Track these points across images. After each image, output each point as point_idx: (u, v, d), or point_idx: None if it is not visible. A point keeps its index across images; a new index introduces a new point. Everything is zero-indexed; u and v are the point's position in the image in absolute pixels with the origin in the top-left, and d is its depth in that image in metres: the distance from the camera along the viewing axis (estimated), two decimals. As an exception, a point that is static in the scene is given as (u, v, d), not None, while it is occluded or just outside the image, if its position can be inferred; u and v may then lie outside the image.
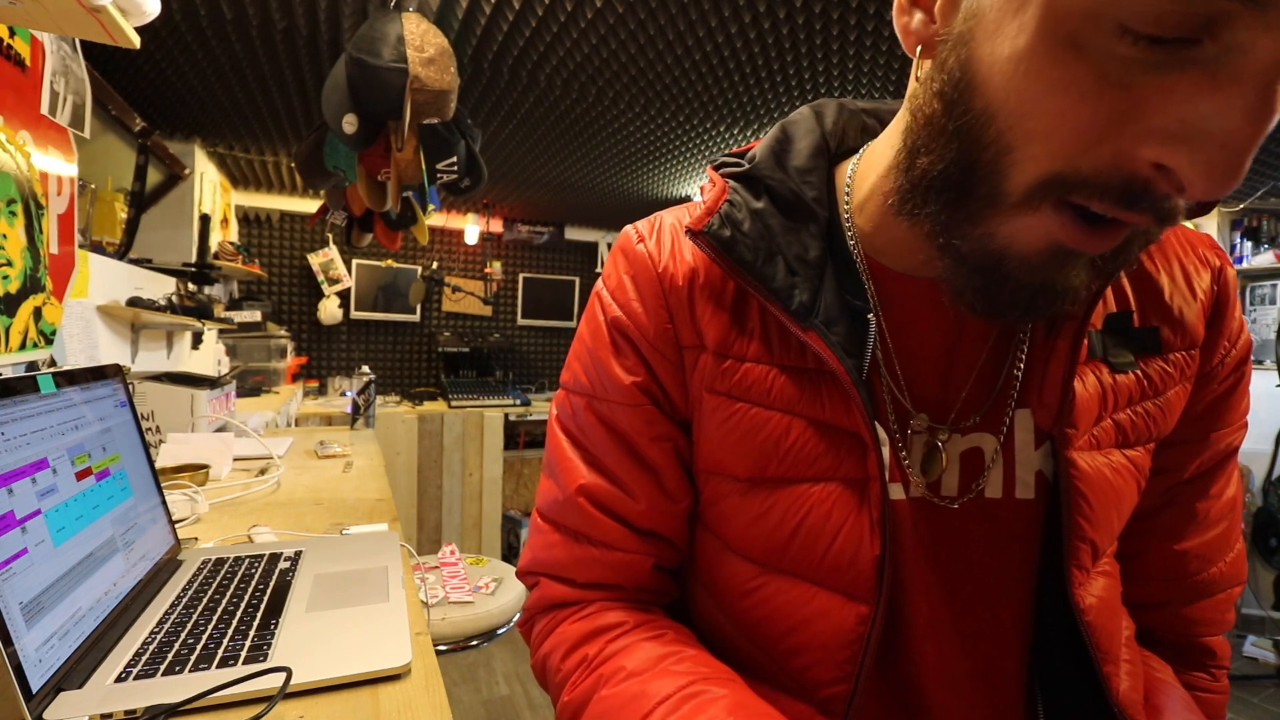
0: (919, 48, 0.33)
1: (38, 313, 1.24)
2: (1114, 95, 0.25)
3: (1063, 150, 0.27)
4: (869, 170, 0.42)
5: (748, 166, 0.43)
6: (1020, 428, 0.41)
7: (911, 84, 0.35)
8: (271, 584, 0.81)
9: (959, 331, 0.41)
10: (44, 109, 1.24)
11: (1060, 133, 0.27)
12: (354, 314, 3.91)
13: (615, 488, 0.45)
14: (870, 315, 0.40)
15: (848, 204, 0.43)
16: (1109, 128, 0.26)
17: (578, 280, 4.54)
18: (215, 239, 2.79)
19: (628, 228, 0.48)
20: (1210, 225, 3.45)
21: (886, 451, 0.40)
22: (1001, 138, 0.29)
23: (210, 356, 2.70)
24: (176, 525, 0.95)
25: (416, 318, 4.12)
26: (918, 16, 0.33)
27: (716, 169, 0.45)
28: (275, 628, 0.69)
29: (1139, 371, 0.41)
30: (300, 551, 0.93)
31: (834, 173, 0.44)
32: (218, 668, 0.61)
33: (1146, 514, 0.47)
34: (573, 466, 0.47)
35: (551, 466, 0.49)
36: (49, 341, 1.29)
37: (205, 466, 1.36)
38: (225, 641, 0.66)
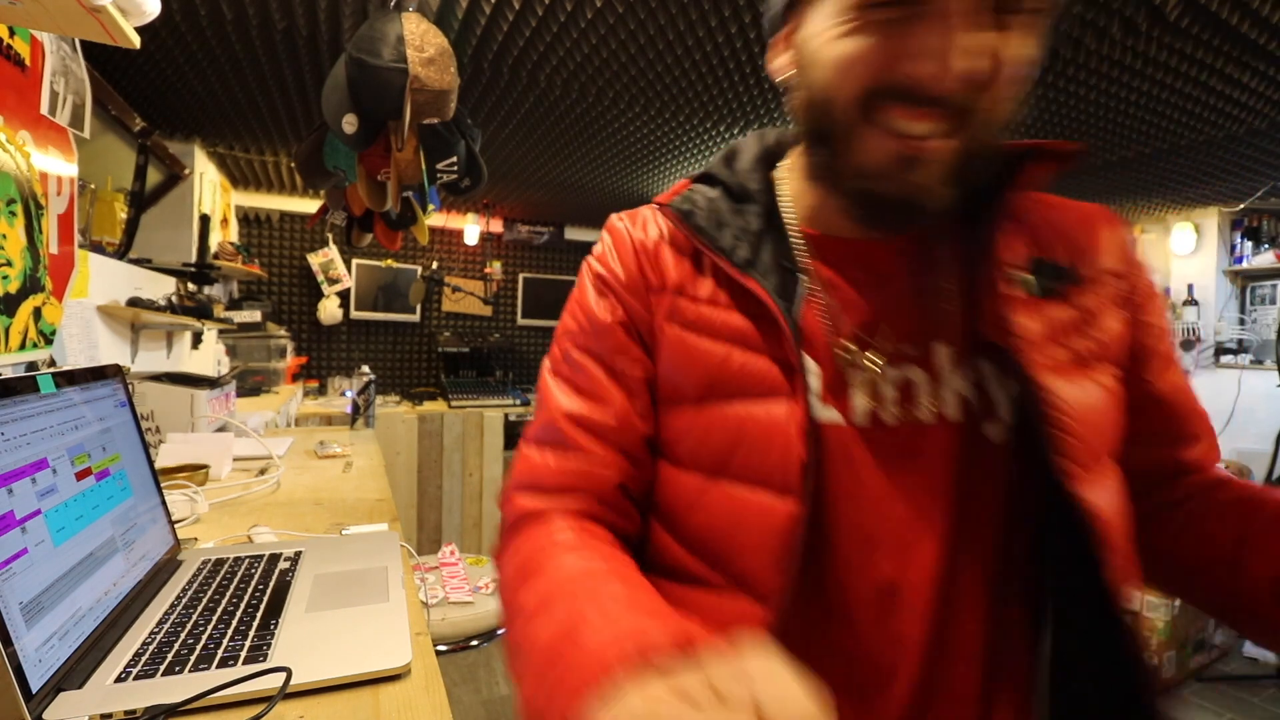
0: (786, 76, 0.49)
1: (37, 313, 1.24)
2: (874, 40, 0.41)
3: (856, 81, 0.42)
4: (795, 165, 0.55)
5: (704, 171, 0.58)
6: (942, 357, 0.48)
7: (791, 109, 0.50)
8: (271, 584, 0.81)
9: (884, 280, 0.50)
10: (44, 109, 1.24)
11: (851, 70, 0.42)
12: (354, 314, 3.91)
13: (593, 403, 0.53)
14: (799, 272, 0.50)
15: (783, 191, 0.55)
16: (878, 60, 0.41)
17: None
18: (215, 239, 2.79)
19: (612, 216, 0.60)
20: (1210, 225, 3.45)
21: (818, 380, 0.48)
22: (830, 90, 0.44)
23: (210, 356, 2.70)
24: (176, 525, 0.95)
25: (416, 318, 4.12)
26: (784, 58, 0.50)
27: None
28: (275, 628, 0.69)
29: (1070, 303, 0.48)
30: (300, 551, 0.93)
31: (772, 175, 0.57)
32: (218, 668, 0.61)
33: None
34: (556, 397, 0.55)
35: (540, 404, 0.57)
36: (49, 341, 1.29)
37: (205, 466, 1.36)
38: (225, 641, 0.66)
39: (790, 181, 0.55)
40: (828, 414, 0.48)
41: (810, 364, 0.48)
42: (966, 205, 0.47)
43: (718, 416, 0.50)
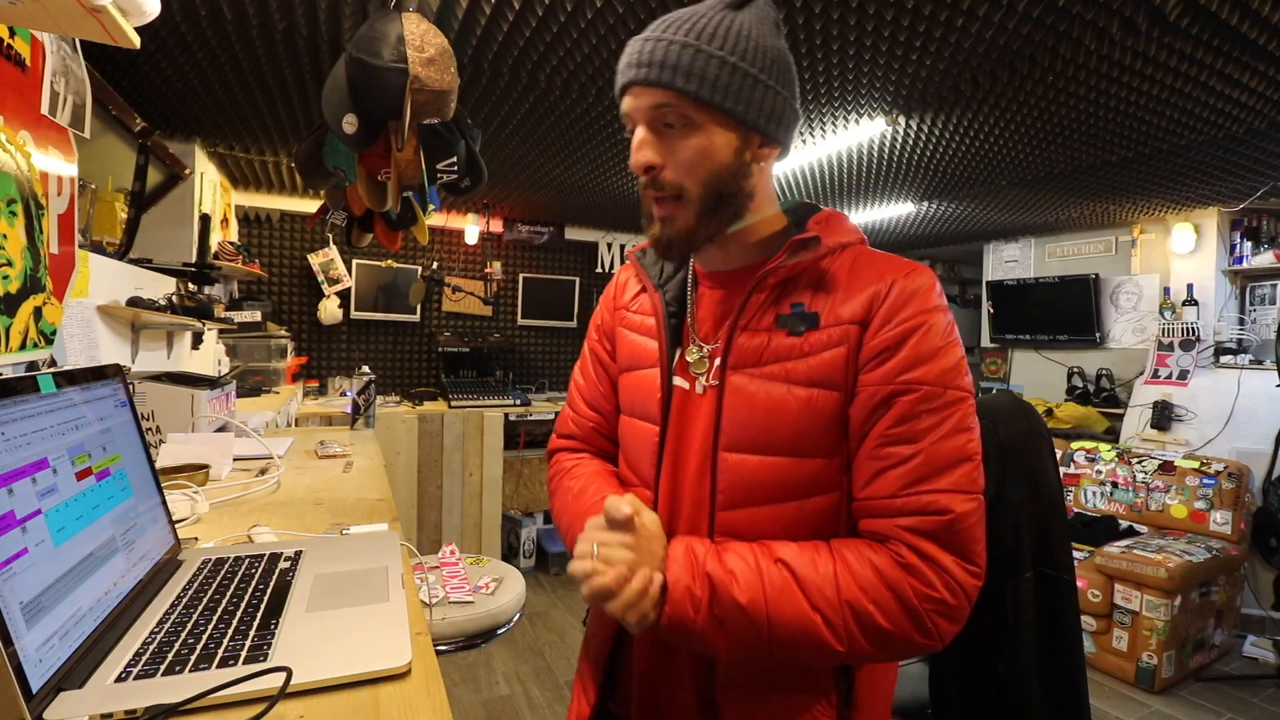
0: None
1: (38, 313, 1.24)
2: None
3: (640, 178, 0.71)
4: None
5: None
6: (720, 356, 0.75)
7: None
8: (271, 584, 0.81)
9: (726, 301, 0.76)
10: (44, 109, 1.24)
11: (638, 175, 0.71)
12: (354, 314, 3.91)
13: (584, 381, 0.92)
14: (696, 290, 0.81)
15: None
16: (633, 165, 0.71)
17: (578, 280, 4.54)
18: (215, 239, 2.78)
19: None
20: (1210, 225, 3.45)
21: (677, 359, 0.78)
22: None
23: (210, 356, 2.70)
24: (176, 525, 0.95)
25: (416, 318, 4.12)
26: None
27: None
28: (275, 628, 0.69)
29: (802, 337, 0.69)
30: (300, 551, 0.93)
31: None
32: (218, 668, 0.61)
33: (850, 453, 0.69)
34: (575, 373, 0.95)
35: (572, 376, 0.96)
36: (49, 341, 1.29)
37: (205, 466, 1.36)
38: (225, 641, 0.66)
39: None
40: (678, 381, 0.77)
41: (679, 350, 0.78)
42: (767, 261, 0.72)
43: (631, 378, 0.82)
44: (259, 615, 0.72)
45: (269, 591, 0.78)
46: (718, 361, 0.73)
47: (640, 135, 0.68)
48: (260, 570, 0.85)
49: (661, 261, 0.82)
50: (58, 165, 1.31)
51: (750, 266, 0.75)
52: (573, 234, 4.51)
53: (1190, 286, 3.49)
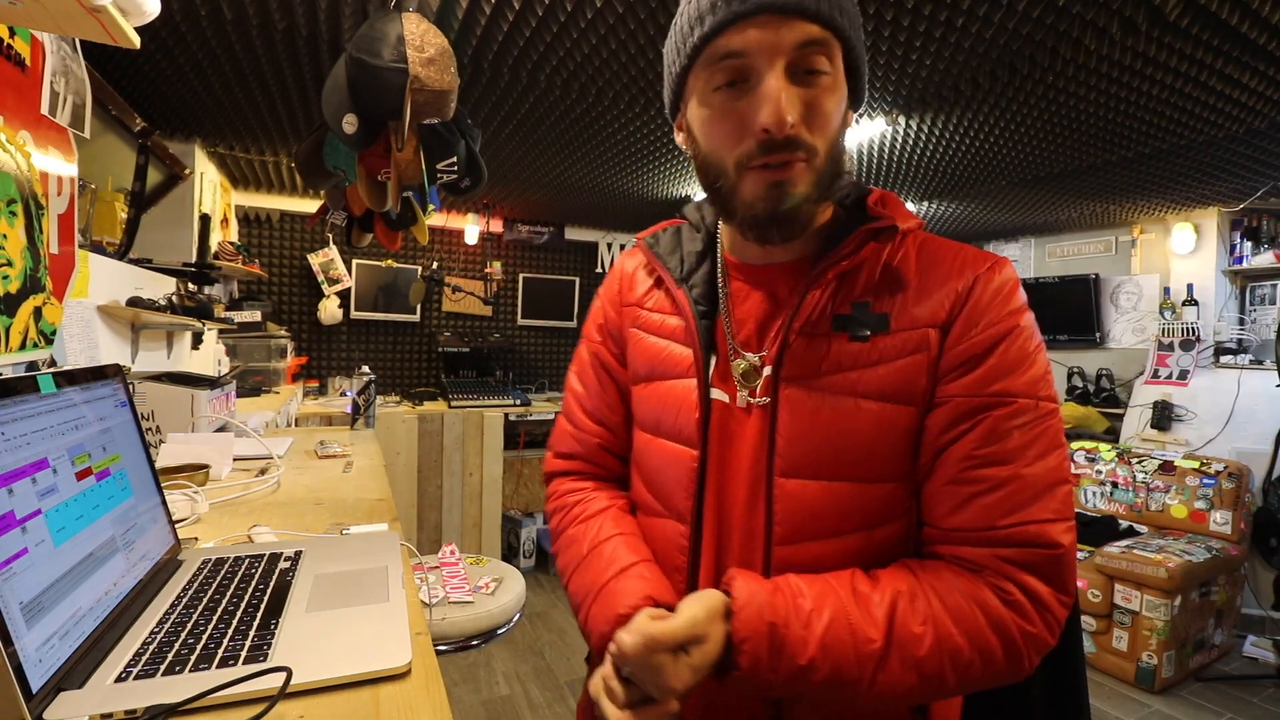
0: (686, 148, 0.65)
1: (38, 313, 1.24)
2: (729, 117, 0.57)
3: (730, 148, 0.58)
4: None
5: (682, 212, 0.77)
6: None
7: (694, 167, 0.65)
8: (271, 584, 0.81)
9: (772, 300, 0.66)
10: (44, 109, 1.24)
11: (724, 142, 0.58)
12: (354, 314, 3.91)
13: (584, 389, 0.79)
14: (727, 287, 0.69)
15: (722, 229, 0.72)
16: (737, 131, 0.57)
17: (578, 280, 4.54)
18: (215, 239, 2.78)
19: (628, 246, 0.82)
20: (1210, 225, 3.45)
21: (713, 368, 0.66)
22: (714, 157, 0.60)
23: (210, 356, 2.70)
24: (176, 525, 0.95)
25: (416, 318, 4.12)
26: (680, 136, 0.66)
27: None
28: (275, 628, 0.69)
29: (870, 342, 0.60)
30: (300, 551, 0.93)
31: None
32: (218, 668, 0.61)
33: (923, 473, 0.61)
34: (571, 380, 0.81)
35: (566, 383, 0.83)
36: (49, 341, 1.29)
37: (205, 466, 1.36)
38: (225, 641, 0.66)
39: (723, 224, 0.72)
40: (716, 393, 0.66)
41: (715, 356, 0.67)
42: (830, 249, 0.62)
43: (654, 391, 0.70)
44: (259, 615, 0.72)
45: (269, 591, 0.78)
46: (766, 371, 0.62)
47: (776, 83, 0.53)
48: (260, 570, 0.85)
49: (680, 250, 0.71)
50: (58, 165, 1.31)
51: (800, 259, 0.64)
52: (573, 234, 4.51)
53: (1190, 286, 3.49)
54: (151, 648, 0.64)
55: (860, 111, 2.17)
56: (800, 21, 0.53)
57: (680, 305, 0.68)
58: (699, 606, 0.55)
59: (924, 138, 2.42)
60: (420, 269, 4.04)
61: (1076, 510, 3.36)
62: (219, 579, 0.82)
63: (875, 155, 2.66)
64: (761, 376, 0.63)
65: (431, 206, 2.06)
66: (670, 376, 0.68)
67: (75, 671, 0.59)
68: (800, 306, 0.60)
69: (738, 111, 0.56)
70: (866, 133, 2.35)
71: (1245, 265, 3.37)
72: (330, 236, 3.83)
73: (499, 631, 1.62)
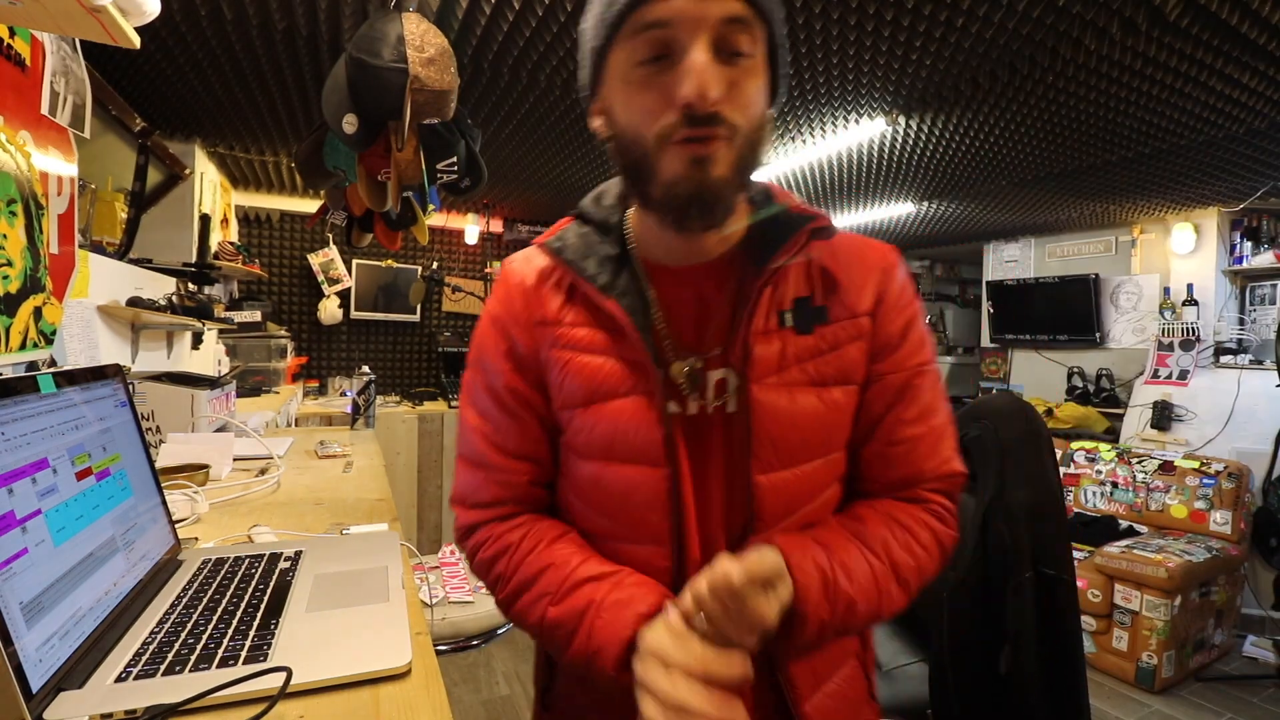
0: (602, 133, 0.63)
1: (38, 313, 1.24)
2: (650, 92, 0.55)
3: (650, 124, 0.55)
4: (633, 206, 0.68)
5: (577, 209, 0.71)
6: (732, 370, 0.64)
7: (610, 156, 0.62)
8: (271, 584, 0.81)
9: (698, 300, 0.65)
10: (44, 109, 1.24)
11: (645, 118, 0.55)
12: (354, 314, 3.91)
13: (494, 428, 0.68)
14: (650, 292, 0.65)
15: (628, 226, 0.68)
16: (658, 105, 0.54)
17: (578, 280, 4.54)
18: (215, 239, 2.78)
19: (507, 259, 0.73)
20: (1210, 225, 3.45)
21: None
22: (634, 136, 0.57)
23: (210, 356, 2.70)
24: (177, 525, 0.95)
25: (416, 318, 4.12)
26: (598, 121, 0.63)
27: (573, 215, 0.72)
28: (275, 628, 0.69)
29: (817, 334, 0.63)
30: (300, 551, 0.93)
31: (627, 213, 0.69)
32: (218, 668, 0.61)
33: (860, 438, 0.67)
34: (469, 419, 0.70)
35: (460, 423, 0.72)
36: (49, 341, 1.29)
37: (205, 466, 1.36)
38: (225, 641, 0.66)
39: (635, 219, 0.68)
40: (673, 407, 0.63)
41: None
42: (754, 251, 0.64)
43: (599, 414, 0.63)
44: (259, 615, 0.72)
45: (269, 592, 0.78)
46: (716, 374, 0.63)
47: (700, 56, 0.52)
48: (260, 570, 0.85)
49: (590, 256, 0.65)
50: (58, 165, 1.31)
51: (721, 258, 0.65)
52: (573, 234, 4.51)
53: (1190, 286, 3.48)
54: (151, 648, 0.64)
55: (861, 112, 2.17)
56: None
57: (613, 317, 0.62)
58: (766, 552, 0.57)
59: (924, 138, 2.42)
60: (420, 269, 4.04)
61: (1076, 510, 3.36)
62: (219, 579, 0.82)
63: (875, 155, 2.66)
64: (708, 381, 0.63)
65: (431, 206, 2.06)
66: (616, 395, 0.62)
67: (75, 671, 0.59)
68: (755, 306, 0.62)
69: (660, 85, 0.54)
70: (866, 133, 2.35)
71: (1245, 265, 3.37)
72: (330, 236, 3.83)
73: (499, 631, 1.62)
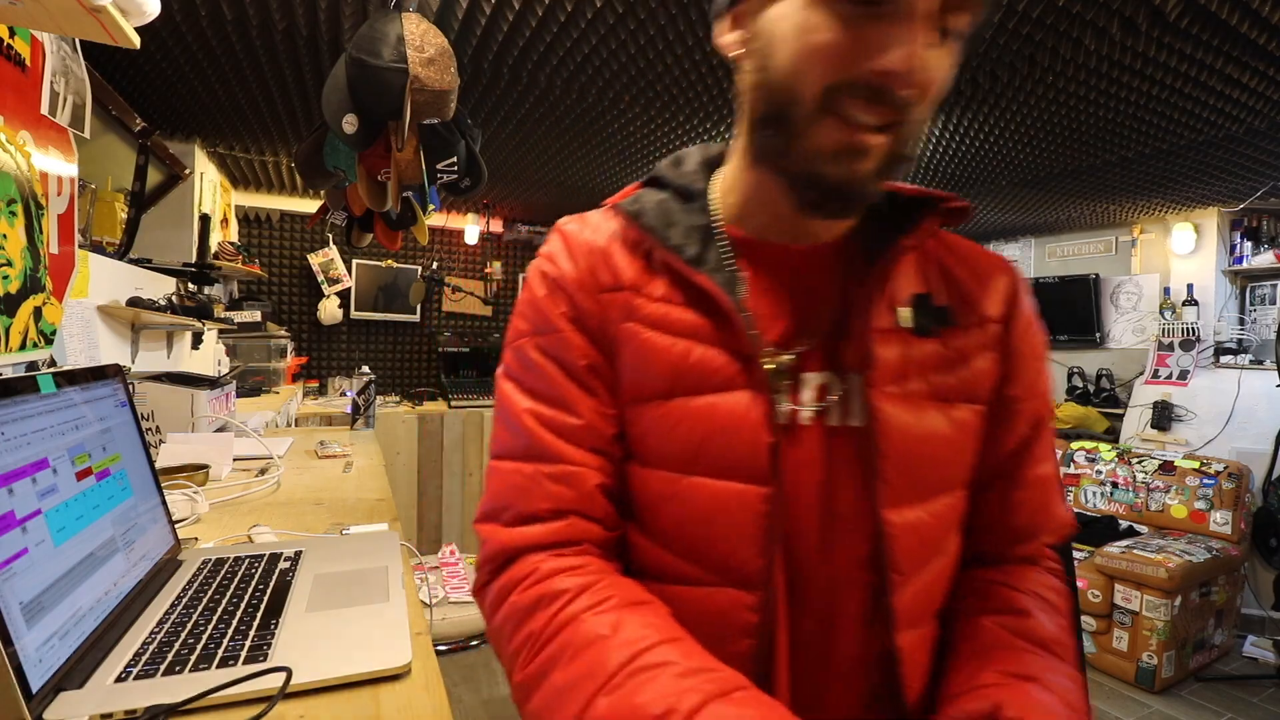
0: (737, 54, 0.50)
1: (38, 313, 1.24)
2: (848, 34, 0.42)
3: (826, 72, 0.43)
4: (731, 163, 0.57)
5: (652, 174, 0.61)
6: (837, 374, 0.52)
7: (739, 87, 0.52)
8: (271, 584, 0.81)
9: (805, 288, 0.54)
10: (44, 109, 1.24)
11: (823, 61, 0.43)
12: (354, 314, 3.91)
13: (558, 409, 0.52)
14: (740, 271, 0.52)
15: (715, 193, 0.57)
16: (850, 54, 0.42)
17: (578, 280, 4.54)
18: (215, 239, 2.79)
19: (561, 219, 0.61)
20: (1210, 225, 3.45)
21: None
22: (794, 77, 0.44)
23: (210, 356, 2.70)
24: (177, 525, 0.95)
25: (416, 318, 4.12)
26: (735, 35, 0.50)
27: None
28: (275, 628, 0.69)
29: (940, 339, 0.53)
30: (300, 551, 0.93)
31: (713, 177, 0.59)
32: (218, 668, 0.61)
33: (989, 476, 0.57)
34: (518, 401, 0.54)
35: (501, 411, 0.56)
36: (49, 341, 1.29)
37: (205, 466, 1.36)
38: (225, 641, 0.66)
39: (723, 185, 0.57)
40: (787, 407, 0.51)
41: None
42: (870, 236, 0.54)
43: (683, 411, 0.50)
44: (259, 615, 0.72)
45: (269, 592, 0.78)
46: (815, 376, 0.51)
47: (925, 23, 0.42)
48: (260, 570, 0.85)
49: (677, 224, 0.54)
50: (57, 165, 1.31)
51: (835, 241, 0.54)
52: (573, 234, 4.51)
53: (1190, 286, 3.48)
54: (151, 648, 0.64)
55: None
56: None
57: (708, 295, 0.51)
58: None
59: (924, 138, 2.42)
60: (420, 269, 4.04)
61: (1076, 510, 3.35)
62: (219, 579, 0.82)
63: (875, 155, 2.66)
64: (804, 385, 0.51)
65: (431, 206, 2.06)
66: (706, 390, 0.50)
67: (75, 671, 0.59)
68: (878, 296, 0.51)
69: (858, 31, 0.42)
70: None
71: (1245, 265, 3.37)
72: (330, 236, 3.83)
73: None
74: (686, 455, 0.50)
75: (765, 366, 0.50)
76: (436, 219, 4.03)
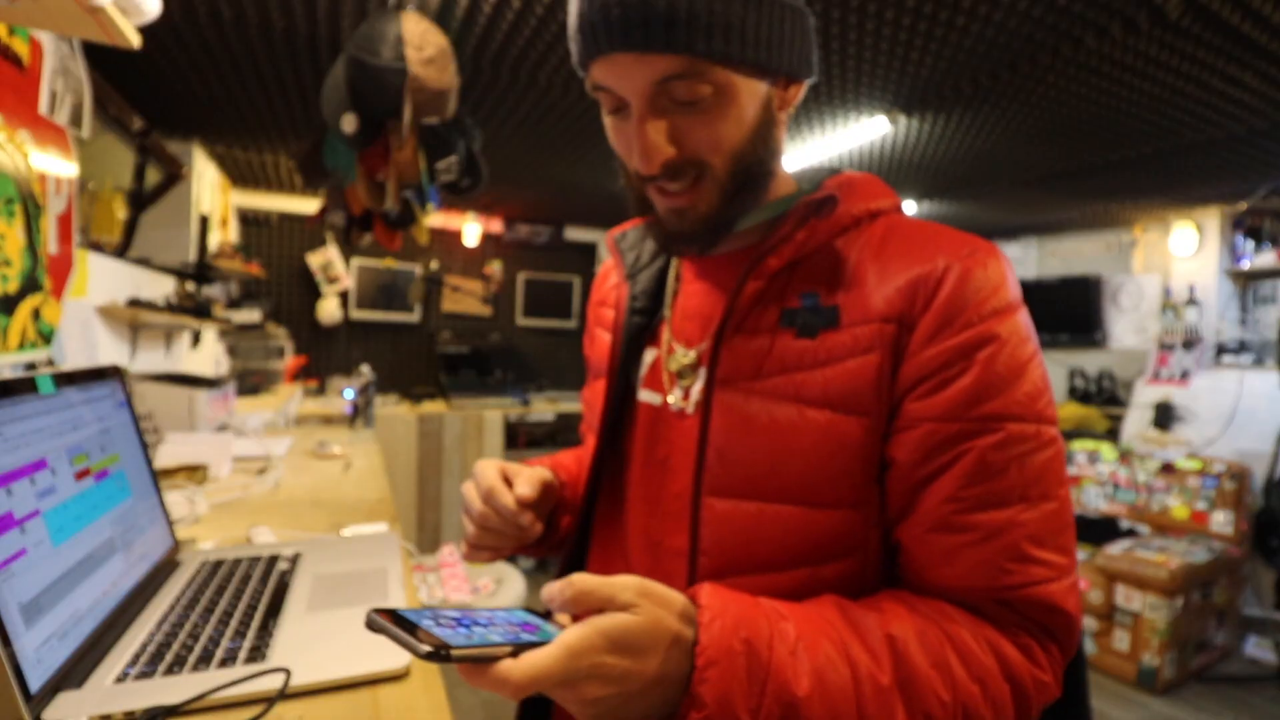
0: None
1: (36, 313, 1.23)
2: (620, 138, 0.53)
3: (632, 164, 0.53)
4: None
5: None
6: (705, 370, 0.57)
7: None
8: (270, 584, 0.80)
9: (710, 293, 0.60)
10: (43, 109, 1.24)
11: (628, 158, 0.53)
12: (354, 314, 3.91)
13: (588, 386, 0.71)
14: (672, 279, 0.64)
15: None
16: (626, 153, 0.53)
17: (577, 280, 4.54)
18: (215, 239, 2.78)
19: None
20: (1212, 225, 3.45)
21: (648, 361, 0.62)
22: (625, 162, 0.55)
23: (209, 356, 2.70)
24: (176, 525, 0.95)
25: (416, 318, 4.12)
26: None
27: None
28: (274, 628, 0.69)
29: (817, 340, 0.51)
30: (299, 552, 0.92)
31: None
32: (217, 668, 0.61)
33: (896, 511, 0.51)
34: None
35: None
36: (48, 341, 1.29)
37: (204, 467, 1.36)
38: (224, 642, 0.66)
39: None
40: (646, 394, 0.61)
41: (649, 352, 0.62)
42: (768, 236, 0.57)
43: (592, 389, 0.68)
44: (258, 616, 0.72)
45: (268, 592, 0.78)
46: (702, 371, 0.56)
47: (641, 124, 0.49)
48: (259, 571, 0.85)
49: (641, 245, 0.66)
50: (56, 165, 1.31)
51: (748, 247, 0.58)
52: (572, 234, 4.51)
53: (1192, 287, 3.48)
54: (150, 648, 0.64)
55: (861, 111, 2.16)
56: (656, 57, 0.46)
57: (619, 299, 0.64)
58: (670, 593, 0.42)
59: (924, 138, 2.41)
60: (420, 269, 4.04)
61: (1077, 511, 3.36)
62: (218, 579, 0.82)
63: (875, 155, 2.65)
64: (697, 377, 0.56)
65: (431, 206, 2.06)
66: (600, 374, 0.66)
67: (74, 672, 0.58)
68: (737, 298, 0.53)
69: (627, 135, 0.52)
70: (867, 132, 2.35)
71: (1247, 265, 3.36)
72: (330, 236, 3.83)
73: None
74: (589, 420, 0.69)
75: (672, 361, 0.59)
76: (436, 219, 4.03)
